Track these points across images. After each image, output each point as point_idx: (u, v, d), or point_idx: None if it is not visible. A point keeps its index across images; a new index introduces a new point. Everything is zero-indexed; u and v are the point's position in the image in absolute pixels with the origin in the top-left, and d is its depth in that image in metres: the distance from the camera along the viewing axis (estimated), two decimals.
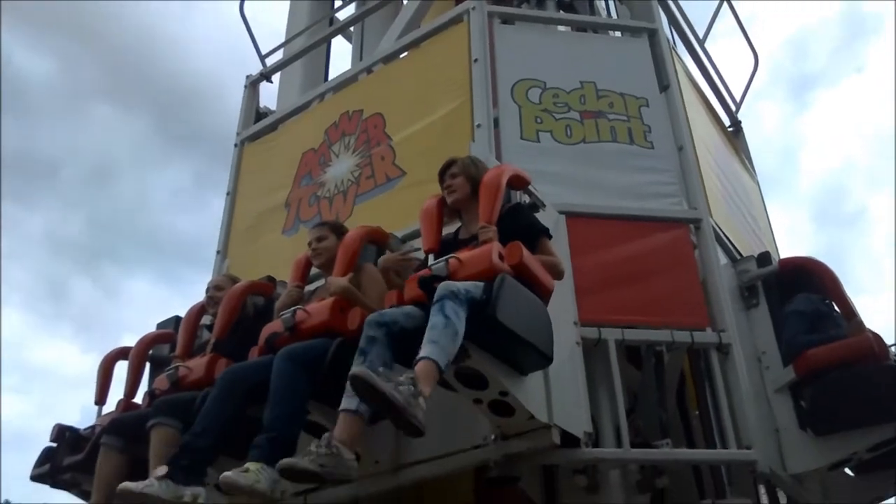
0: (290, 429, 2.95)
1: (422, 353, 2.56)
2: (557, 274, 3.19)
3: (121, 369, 4.40)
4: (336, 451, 2.56)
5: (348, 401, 2.70)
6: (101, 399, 4.42)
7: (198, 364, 3.67)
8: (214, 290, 4.11)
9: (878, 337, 3.84)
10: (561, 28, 5.83)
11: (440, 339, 2.58)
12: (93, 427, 4.08)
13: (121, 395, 4.23)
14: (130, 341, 4.45)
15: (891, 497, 4.22)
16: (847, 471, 4.14)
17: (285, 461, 2.55)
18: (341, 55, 8.04)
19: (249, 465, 2.75)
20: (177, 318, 4.42)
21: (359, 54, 7.03)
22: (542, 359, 2.93)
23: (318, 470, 2.51)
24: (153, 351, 4.47)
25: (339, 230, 3.78)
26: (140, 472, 3.41)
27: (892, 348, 3.92)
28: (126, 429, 3.67)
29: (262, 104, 6.30)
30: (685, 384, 4.39)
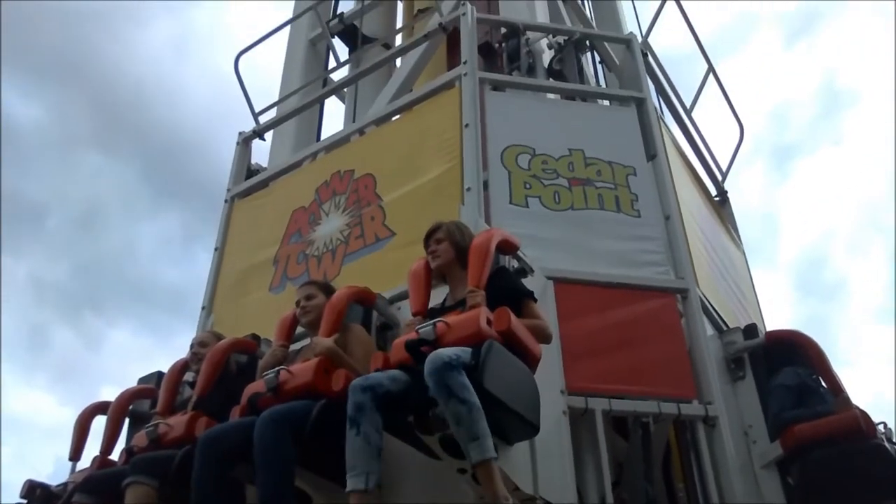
0: (282, 500, 2.88)
1: (472, 457, 2.57)
2: (545, 337, 3.17)
3: (98, 423, 4.31)
4: None
5: (356, 479, 2.67)
6: (75, 454, 4.30)
7: (179, 422, 3.59)
8: (199, 346, 4.05)
9: (865, 414, 3.82)
10: (550, 95, 5.93)
11: (477, 431, 2.57)
12: (65, 484, 3.96)
13: (97, 451, 4.12)
14: (110, 393, 4.37)
15: None
16: None
17: None
18: (334, 115, 8.13)
19: None
20: (159, 374, 4.33)
21: (352, 115, 7.11)
22: (529, 428, 2.90)
23: None
24: (133, 406, 4.38)
25: (327, 289, 3.75)
26: None
27: (880, 426, 3.89)
28: (100, 486, 3.56)
29: (253, 161, 6.33)
30: (671, 455, 4.34)
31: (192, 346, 4.12)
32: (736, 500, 3.60)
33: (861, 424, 3.77)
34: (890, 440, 3.94)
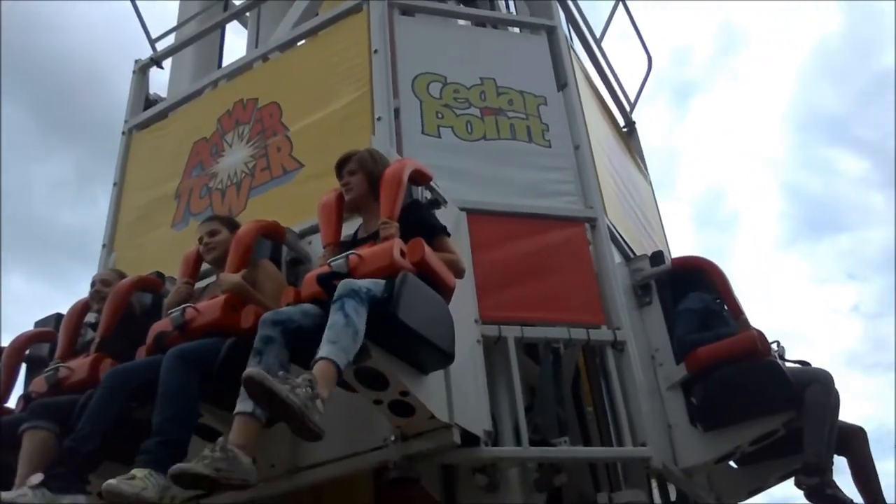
0: (181, 432, 2.80)
1: (320, 353, 2.48)
2: (458, 272, 3.16)
3: None
4: (232, 456, 2.45)
5: (244, 403, 2.59)
6: None
7: (80, 364, 3.44)
8: (101, 284, 3.87)
9: (761, 334, 3.99)
10: (461, 22, 5.81)
11: (339, 339, 2.50)
12: None
13: None
14: (4, 341, 4.13)
15: (770, 486, 4.40)
16: (731, 463, 4.30)
17: (178, 466, 2.41)
18: (235, 42, 7.78)
19: (136, 471, 2.59)
20: (58, 316, 4.09)
21: (254, 41, 6.79)
22: (444, 358, 2.90)
23: (214, 475, 2.38)
24: (30, 351, 4.15)
25: (232, 224, 3.63)
26: (7, 481, 3.17)
27: (773, 345, 4.08)
28: None
29: (151, 91, 6.00)
30: (580, 380, 4.46)
31: (93, 285, 3.94)
32: (643, 420, 3.73)
33: (757, 343, 3.95)
34: (783, 357, 4.16)
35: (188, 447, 2.80)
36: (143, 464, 2.63)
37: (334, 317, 2.53)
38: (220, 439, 2.50)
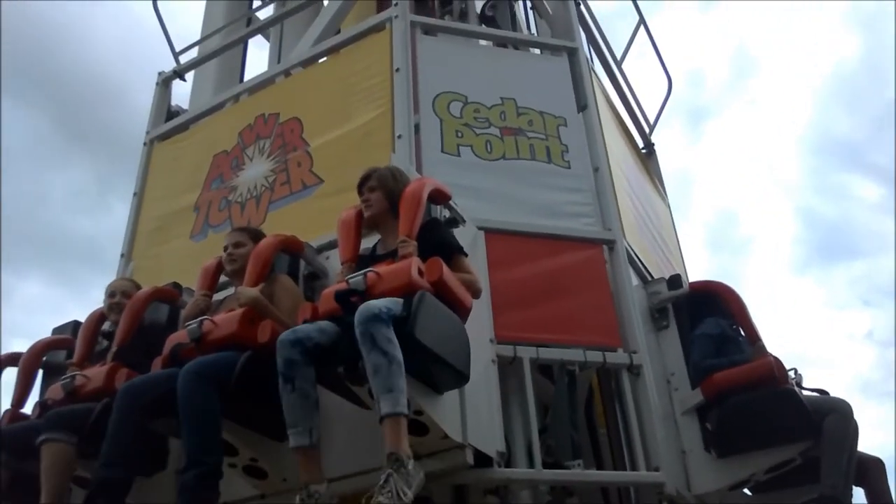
0: (214, 457, 2.83)
1: (382, 409, 2.51)
2: (475, 292, 3.16)
3: (9, 376, 4.12)
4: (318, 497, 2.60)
5: (299, 436, 2.68)
6: None
7: (97, 373, 3.46)
8: (122, 296, 3.89)
9: (778, 361, 3.95)
10: (482, 42, 5.84)
11: (392, 384, 2.52)
12: None
13: (7, 405, 3.95)
14: (20, 346, 4.16)
15: None
16: (746, 491, 4.25)
17: None
18: (258, 56, 7.85)
19: None
20: (75, 323, 4.13)
21: (277, 55, 6.86)
22: (459, 377, 2.90)
23: None
24: (47, 357, 4.18)
25: (257, 237, 3.63)
26: (25, 489, 3.19)
27: (791, 372, 4.05)
28: (11, 442, 3.42)
29: (173, 103, 6.06)
30: (593, 401, 4.43)
31: (112, 295, 3.95)
32: (657, 445, 3.70)
33: (774, 371, 3.91)
34: (800, 385, 4.12)
35: (222, 468, 2.86)
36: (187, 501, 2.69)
37: (373, 357, 2.53)
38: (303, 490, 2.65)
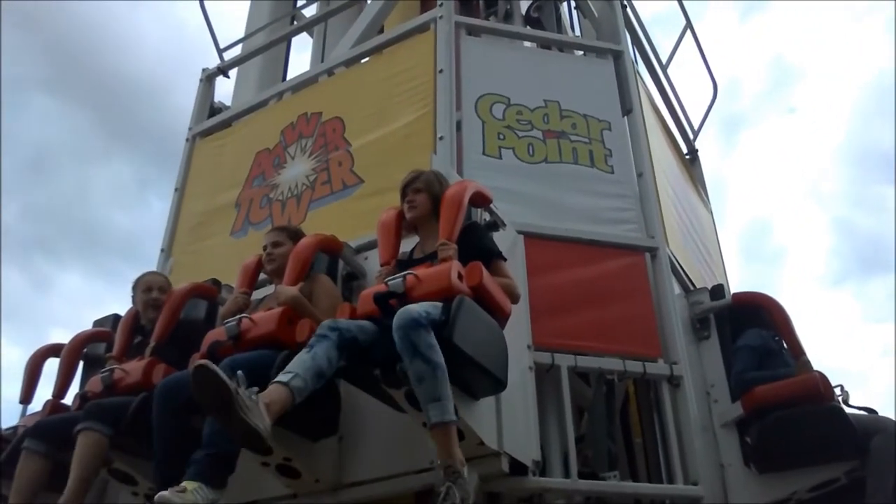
0: (229, 444, 2.79)
1: (432, 418, 2.50)
2: (514, 297, 3.11)
3: (51, 367, 4.18)
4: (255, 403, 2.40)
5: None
6: (26, 398, 4.20)
7: (135, 367, 3.48)
8: (159, 292, 3.91)
9: (823, 377, 3.85)
10: (527, 44, 5.79)
11: (439, 392, 2.50)
12: (15, 428, 3.85)
13: (49, 395, 4.00)
14: (59, 336, 4.22)
15: None
16: None
17: None
18: (301, 54, 7.88)
19: (187, 483, 2.59)
20: (115, 317, 4.17)
21: (320, 54, 6.88)
22: (497, 384, 2.85)
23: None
24: (88, 349, 4.24)
25: (296, 236, 3.62)
26: (63, 479, 3.22)
27: (837, 389, 3.93)
28: (51, 433, 3.47)
29: (216, 100, 6.11)
30: (628, 407, 4.36)
31: (148, 290, 3.94)
32: (695, 458, 3.62)
33: (819, 387, 3.80)
34: (846, 402, 4.00)
35: (237, 459, 2.79)
36: (192, 476, 2.63)
37: (416, 365, 2.49)
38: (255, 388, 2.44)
